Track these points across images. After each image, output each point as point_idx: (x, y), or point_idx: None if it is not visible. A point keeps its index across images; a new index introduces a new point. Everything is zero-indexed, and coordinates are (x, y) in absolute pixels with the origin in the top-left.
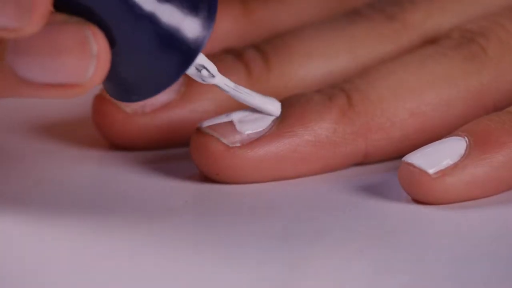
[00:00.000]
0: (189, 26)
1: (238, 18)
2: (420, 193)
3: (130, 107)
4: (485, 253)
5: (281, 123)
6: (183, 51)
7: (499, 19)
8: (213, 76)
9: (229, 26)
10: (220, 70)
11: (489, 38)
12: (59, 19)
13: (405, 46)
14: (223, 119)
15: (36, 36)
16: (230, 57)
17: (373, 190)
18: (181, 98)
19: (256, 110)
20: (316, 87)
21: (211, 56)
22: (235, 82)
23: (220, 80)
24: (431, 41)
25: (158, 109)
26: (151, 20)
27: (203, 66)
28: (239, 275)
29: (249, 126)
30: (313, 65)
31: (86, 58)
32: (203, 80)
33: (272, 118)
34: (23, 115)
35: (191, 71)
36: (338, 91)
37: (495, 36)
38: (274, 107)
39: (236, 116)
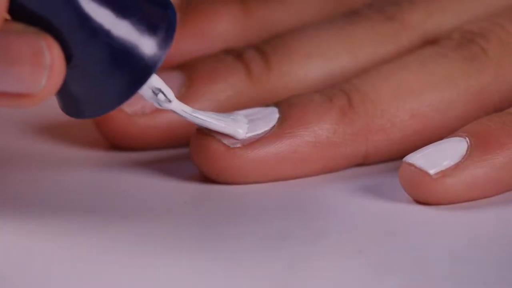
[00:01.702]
0: (144, 46)
1: (238, 18)
2: (421, 193)
3: (131, 107)
4: (485, 253)
5: (282, 124)
6: (135, 71)
7: (499, 19)
8: (169, 101)
9: (229, 26)
10: (220, 71)
11: (489, 39)
12: (15, 28)
13: (405, 47)
14: (224, 116)
15: None
16: (230, 58)
17: (374, 190)
18: (181, 99)
19: (257, 111)
20: (316, 87)
21: (211, 57)
22: (235, 82)
23: (177, 105)
24: (431, 41)
25: (158, 109)
26: (106, 36)
27: (159, 90)
28: (239, 275)
29: (250, 127)
30: (313, 65)
31: (39, 69)
32: (160, 105)
33: (274, 118)
34: (23, 115)
35: (147, 94)
36: (338, 91)
37: (495, 36)
38: (241, 129)
39: (236, 116)
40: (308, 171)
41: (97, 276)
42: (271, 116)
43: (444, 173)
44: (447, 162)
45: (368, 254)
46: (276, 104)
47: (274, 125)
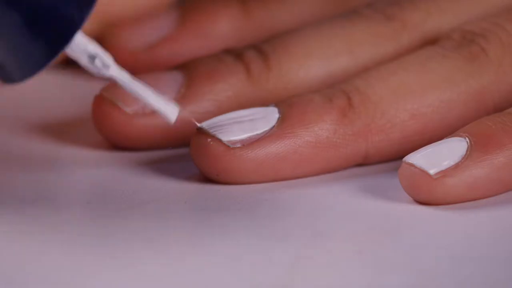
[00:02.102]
0: (64, 6)
1: (238, 18)
2: (421, 193)
3: (131, 107)
4: (485, 253)
5: (282, 124)
6: (57, 29)
7: (500, 20)
8: (107, 66)
9: (228, 26)
10: (220, 71)
11: (490, 39)
12: None
13: (405, 47)
14: (223, 119)
15: None
16: (230, 58)
17: (374, 190)
18: (181, 99)
19: (257, 111)
20: (316, 87)
21: (211, 57)
22: (235, 82)
23: (116, 71)
24: (431, 41)
25: None
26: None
27: (96, 55)
28: (239, 275)
29: (249, 127)
30: (313, 65)
31: None
32: (99, 72)
33: (274, 118)
34: (23, 115)
35: (82, 60)
36: (338, 92)
37: (495, 37)
38: (171, 111)
39: (236, 116)
40: (308, 171)
41: (97, 276)
42: (271, 116)
43: (444, 173)
44: (447, 162)
45: (368, 254)
46: (276, 104)
47: (274, 125)
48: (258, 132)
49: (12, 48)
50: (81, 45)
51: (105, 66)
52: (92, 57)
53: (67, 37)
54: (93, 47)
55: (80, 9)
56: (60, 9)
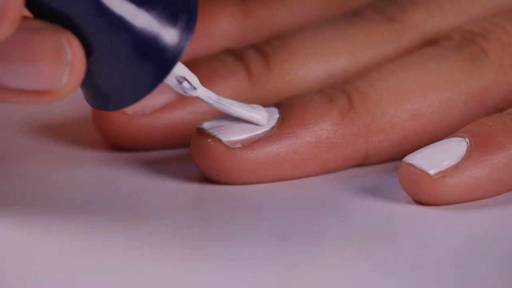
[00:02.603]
0: (166, 36)
1: (238, 18)
2: (421, 194)
3: (131, 108)
4: (485, 253)
5: (282, 124)
6: (159, 62)
7: (500, 20)
8: (194, 88)
9: (228, 26)
10: (220, 71)
11: (490, 39)
12: (35, 25)
13: (405, 47)
14: (223, 119)
15: (11, 42)
16: (230, 58)
17: (374, 190)
18: (181, 99)
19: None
20: (316, 87)
21: (211, 57)
22: (235, 83)
23: (202, 92)
24: (432, 42)
25: (159, 110)
26: (127, 28)
27: (184, 78)
28: (239, 275)
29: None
30: (313, 65)
31: (60, 66)
32: (185, 92)
33: (274, 119)
34: (23, 116)
35: (172, 82)
36: (338, 92)
37: (495, 37)
38: (260, 116)
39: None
40: (308, 171)
41: (97, 275)
42: (271, 116)
43: (444, 174)
44: (447, 163)
45: (368, 254)
46: (276, 105)
47: (274, 126)
48: (258, 132)
49: (118, 76)
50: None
51: (192, 87)
52: (180, 80)
53: (170, 66)
54: (183, 70)
55: (182, 39)
56: (164, 39)
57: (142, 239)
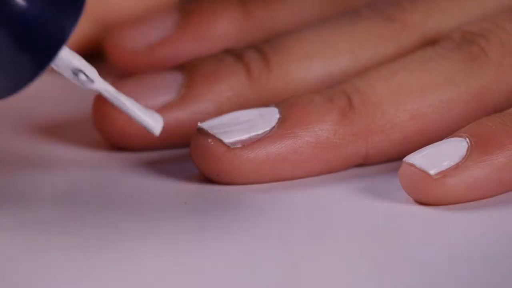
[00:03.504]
0: (48, 21)
1: (238, 18)
2: (421, 194)
3: None
4: (485, 253)
5: (282, 124)
6: (40, 51)
7: (500, 20)
8: (92, 81)
9: (228, 27)
10: (220, 71)
11: (490, 39)
12: None
13: (405, 47)
14: (223, 120)
15: None
16: (230, 58)
17: (374, 191)
18: (181, 99)
19: (257, 112)
20: (316, 88)
21: (210, 57)
22: (235, 83)
23: (100, 85)
24: (431, 42)
25: (159, 110)
26: (6, 19)
27: (80, 70)
28: (239, 275)
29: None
30: (313, 66)
31: None
32: (83, 85)
33: (274, 119)
34: (23, 116)
35: (67, 74)
36: (338, 92)
37: (495, 37)
38: (156, 124)
39: (237, 117)
40: (308, 172)
41: (96, 275)
42: (271, 116)
43: (444, 174)
44: (448, 163)
45: (368, 254)
46: (277, 105)
47: (274, 126)
48: (258, 132)
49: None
50: (65, 60)
51: (90, 80)
52: (76, 72)
53: (52, 53)
54: (77, 62)
55: (66, 24)
56: (45, 24)
57: (142, 239)
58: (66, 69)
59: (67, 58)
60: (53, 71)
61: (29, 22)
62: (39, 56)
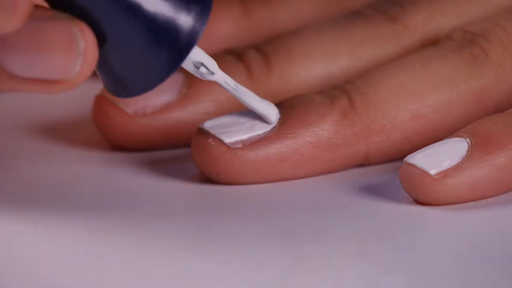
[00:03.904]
0: (181, 21)
1: (238, 18)
2: (421, 194)
3: (131, 108)
4: (485, 253)
5: (282, 125)
6: (174, 47)
7: (500, 20)
8: (212, 73)
9: (229, 27)
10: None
11: (491, 40)
12: (48, 15)
13: (406, 47)
14: (224, 120)
15: (23, 31)
16: (230, 58)
17: (374, 191)
18: (182, 100)
19: (253, 113)
20: (317, 88)
21: (211, 57)
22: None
23: (220, 77)
24: (432, 42)
25: (159, 110)
26: (140, 16)
27: (201, 63)
28: (239, 275)
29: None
30: (314, 66)
31: (72, 55)
32: (203, 77)
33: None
34: (23, 116)
35: (189, 67)
36: (339, 92)
37: (496, 38)
38: (272, 112)
39: (237, 117)
40: (308, 172)
41: (97, 275)
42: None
43: (444, 174)
44: (448, 163)
45: (369, 254)
46: (277, 105)
47: (275, 126)
48: (259, 132)
49: (133, 61)
50: (189, 55)
51: (210, 72)
52: (197, 65)
53: (186, 50)
54: (200, 55)
55: (197, 23)
56: (179, 23)
57: (142, 238)
58: (189, 63)
59: (192, 53)
60: None
61: (164, 20)
62: (174, 54)
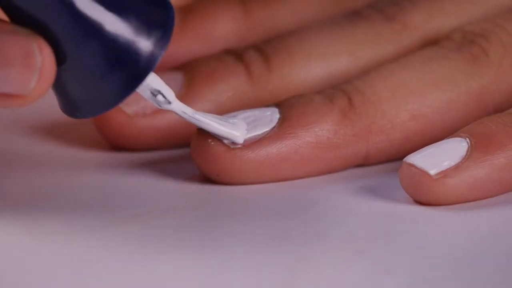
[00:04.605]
0: (140, 45)
1: (239, 18)
2: (421, 194)
3: (131, 108)
4: (485, 253)
5: (282, 125)
6: (131, 71)
7: (500, 20)
8: (169, 102)
9: (229, 27)
10: (220, 71)
11: (490, 40)
12: (7, 28)
13: (406, 47)
14: (224, 119)
15: None
16: (230, 58)
17: (374, 191)
18: (181, 100)
19: (258, 112)
20: (316, 88)
21: (211, 57)
22: (235, 83)
23: (177, 107)
24: (432, 42)
25: (159, 110)
26: (100, 39)
27: (158, 91)
28: (239, 276)
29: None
30: (314, 66)
31: (29, 71)
32: (160, 106)
33: (275, 119)
34: (23, 116)
35: (146, 94)
36: (339, 92)
37: (496, 38)
38: (239, 133)
39: (237, 117)
40: (308, 172)
41: (97, 276)
42: (271, 116)
43: (444, 174)
44: (448, 163)
45: (369, 254)
46: (277, 105)
47: (275, 126)
48: (259, 132)
49: (88, 83)
50: (146, 82)
51: (167, 101)
52: (154, 93)
53: (142, 76)
54: (157, 84)
55: (156, 48)
56: (137, 48)
57: (142, 239)
58: (145, 90)
59: (150, 79)
60: None
61: (122, 44)
62: (129, 79)
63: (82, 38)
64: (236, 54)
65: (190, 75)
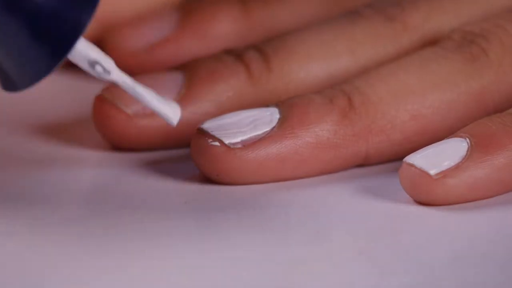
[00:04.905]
0: (64, 14)
1: (238, 18)
2: (421, 194)
3: (131, 108)
4: (485, 253)
5: (282, 125)
6: (58, 40)
7: (500, 21)
8: (108, 72)
9: (229, 27)
10: (220, 71)
11: (490, 40)
12: None
13: (406, 47)
14: (224, 120)
15: None
16: (230, 58)
17: (374, 191)
18: (181, 100)
19: (258, 112)
20: (316, 88)
21: (211, 57)
22: (235, 83)
23: (117, 76)
24: (432, 42)
25: None
26: (21, 8)
27: (96, 62)
28: (239, 275)
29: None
30: (314, 66)
31: None
32: (100, 77)
33: (275, 119)
34: (23, 116)
35: (83, 65)
36: (339, 92)
37: (496, 38)
38: (173, 112)
39: (237, 117)
40: (308, 172)
41: (97, 276)
42: (271, 116)
43: (444, 174)
44: (448, 163)
45: (368, 254)
46: (277, 105)
47: (275, 126)
48: (259, 132)
49: (15, 56)
50: (82, 51)
51: (106, 71)
52: (92, 63)
53: (69, 44)
54: (94, 53)
55: (82, 15)
56: (61, 15)
57: (142, 239)
58: (83, 61)
59: (84, 49)
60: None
61: (45, 13)
62: (56, 47)
63: (4, 9)
64: (236, 54)
65: (190, 75)
